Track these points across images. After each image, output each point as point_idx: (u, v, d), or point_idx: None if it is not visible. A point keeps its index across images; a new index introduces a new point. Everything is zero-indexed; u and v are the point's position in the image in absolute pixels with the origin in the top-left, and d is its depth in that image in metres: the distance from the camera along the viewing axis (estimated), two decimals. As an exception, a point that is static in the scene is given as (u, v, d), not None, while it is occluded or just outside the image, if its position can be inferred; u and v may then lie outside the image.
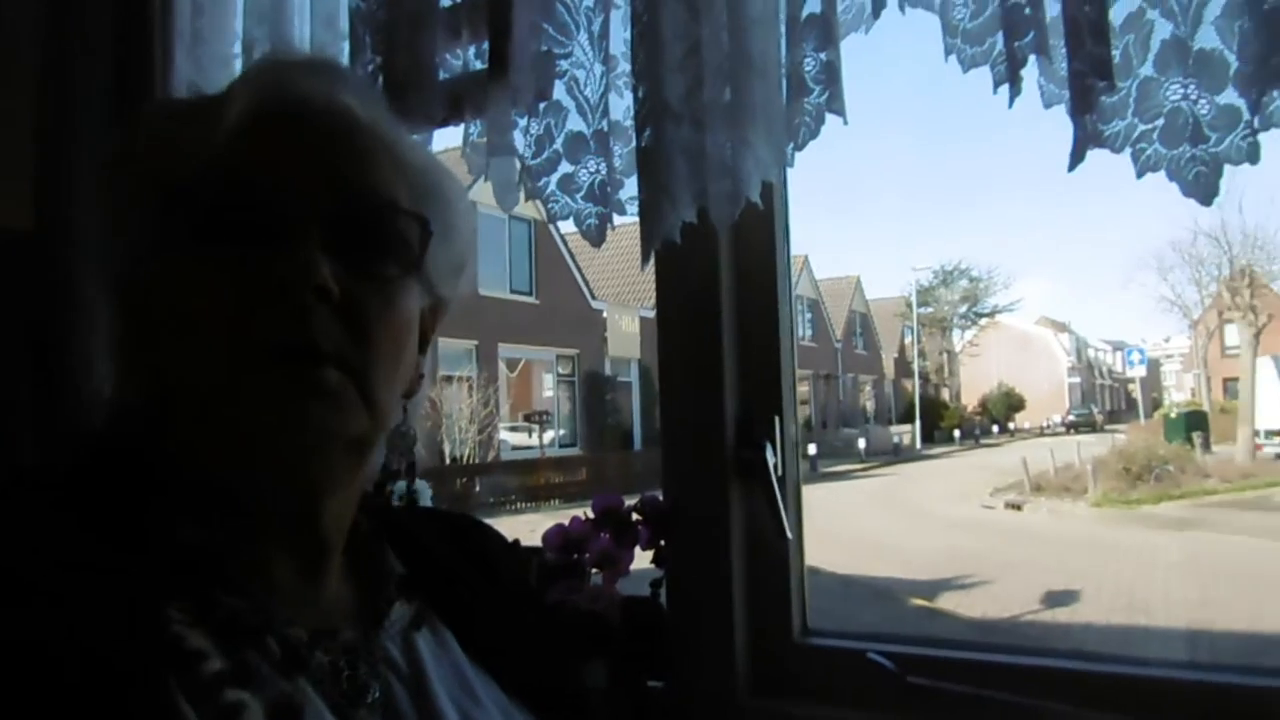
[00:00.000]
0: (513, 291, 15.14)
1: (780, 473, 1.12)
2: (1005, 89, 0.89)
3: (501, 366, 15.55)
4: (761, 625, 1.13)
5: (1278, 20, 0.76)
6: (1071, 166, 0.87)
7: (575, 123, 1.13)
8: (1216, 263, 21.20)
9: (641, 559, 1.19)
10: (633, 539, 1.19)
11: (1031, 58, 0.88)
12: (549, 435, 16.57)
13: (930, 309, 36.64)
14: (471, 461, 13.80)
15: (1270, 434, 17.29)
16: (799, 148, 1.00)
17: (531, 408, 17.01)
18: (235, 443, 0.53)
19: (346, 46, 1.23)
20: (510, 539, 1.03)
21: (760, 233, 1.15)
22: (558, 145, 1.13)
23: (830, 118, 0.99)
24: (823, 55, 0.98)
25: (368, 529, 0.64)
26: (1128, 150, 0.86)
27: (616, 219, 1.10)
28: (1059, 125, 0.88)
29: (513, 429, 16.19)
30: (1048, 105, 0.91)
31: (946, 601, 6.84)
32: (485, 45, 1.14)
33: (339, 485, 0.58)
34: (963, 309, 37.81)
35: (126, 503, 0.52)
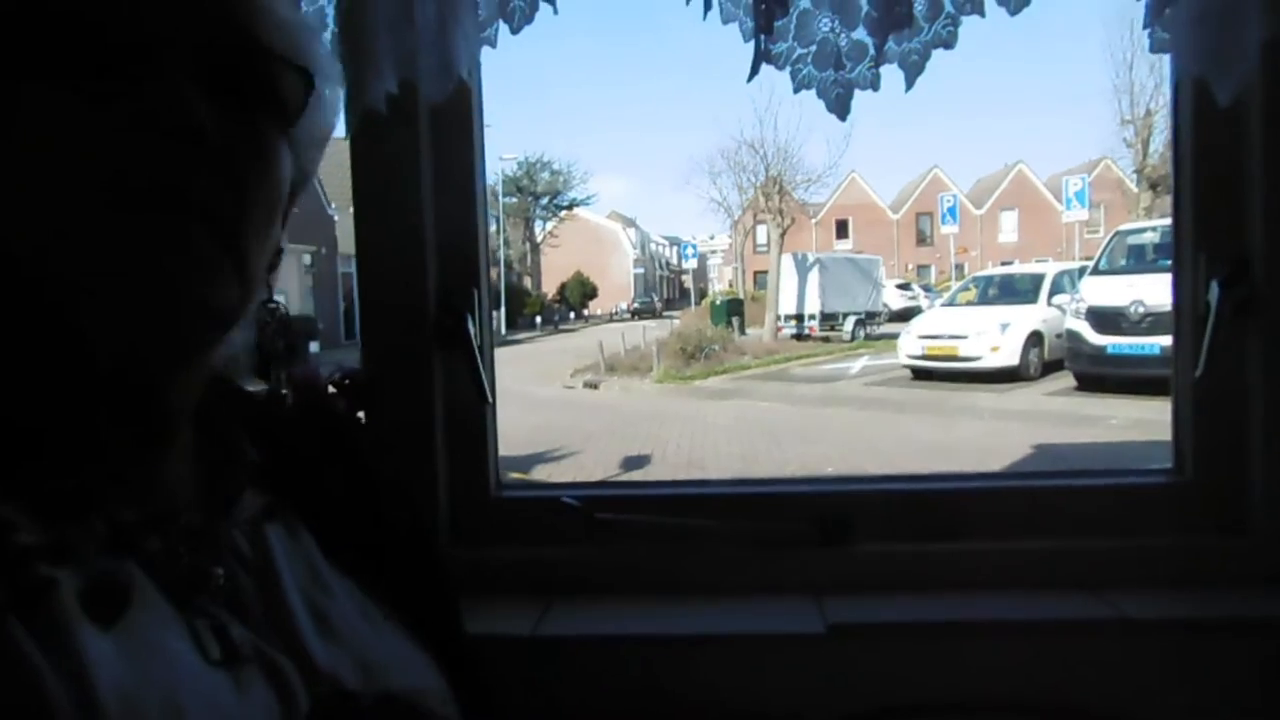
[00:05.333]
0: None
1: (479, 341, 1.19)
2: (699, 2, 1.02)
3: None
4: (461, 483, 1.21)
5: (902, -22, 0.98)
6: (750, 78, 1.04)
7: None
8: (754, 170, 24.62)
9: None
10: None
11: (720, -23, 1.02)
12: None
13: (515, 199, 37.64)
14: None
15: (788, 318, 20.94)
16: (515, 30, 1.05)
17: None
18: (79, 300, 0.45)
19: None
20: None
21: (460, 109, 1.18)
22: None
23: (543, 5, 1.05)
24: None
25: (223, 411, 0.58)
26: (788, 69, 1.05)
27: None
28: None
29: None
30: (726, 22, 1.06)
31: (540, 473, 7.40)
32: None
33: (195, 358, 0.52)
34: (545, 201, 39.40)
35: None
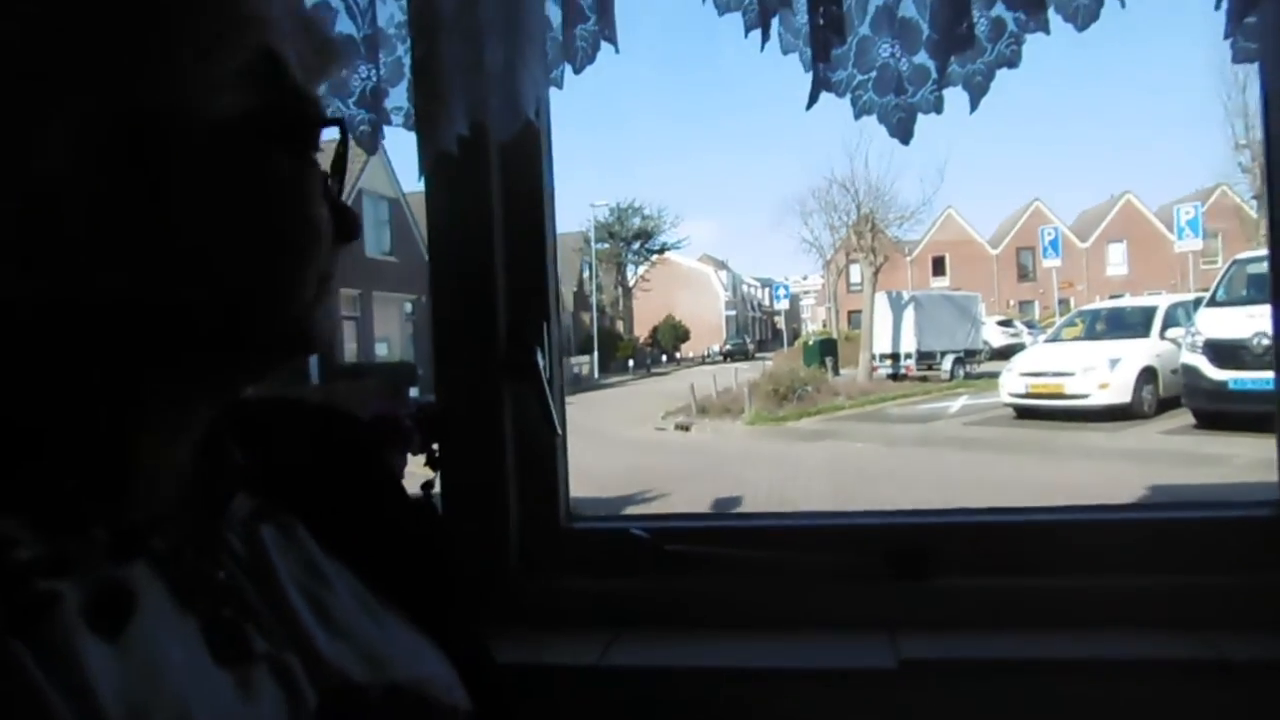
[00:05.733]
0: (381, 254, 21.66)
1: (549, 374, 1.21)
2: (756, 34, 1.04)
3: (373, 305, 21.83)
4: (532, 513, 1.23)
5: (961, 1, 0.97)
6: (809, 106, 1.04)
7: (345, 24, 1.12)
8: (846, 209, 24.33)
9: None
10: (404, 444, 1.23)
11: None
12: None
13: (607, 245, 38.21)
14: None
15: (883, 357, 20.49)
16: (578, 70, 1.08)
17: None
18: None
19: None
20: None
21: (528, 149, 1.21)
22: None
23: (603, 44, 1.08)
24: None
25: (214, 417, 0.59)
26: (848, 96, 1.05)
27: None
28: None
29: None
30: (786, 52, 1.07)
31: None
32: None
33: None
34: (636, 245, 39.84)
35: None
